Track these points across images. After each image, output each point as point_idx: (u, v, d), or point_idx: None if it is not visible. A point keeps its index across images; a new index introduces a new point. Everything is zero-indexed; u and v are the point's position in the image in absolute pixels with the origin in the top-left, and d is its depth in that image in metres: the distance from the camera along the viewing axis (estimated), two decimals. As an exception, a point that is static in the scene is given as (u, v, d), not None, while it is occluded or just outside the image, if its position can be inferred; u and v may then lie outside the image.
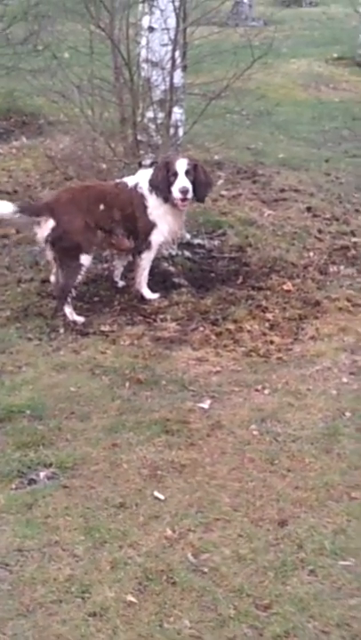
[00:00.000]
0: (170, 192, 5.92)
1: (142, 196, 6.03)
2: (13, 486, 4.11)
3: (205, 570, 3.60)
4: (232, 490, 4.11)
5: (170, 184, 5.91)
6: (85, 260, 5.91)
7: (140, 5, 6.77)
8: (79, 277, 5.92)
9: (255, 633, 3.30)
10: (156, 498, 4.04)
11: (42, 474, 4.19)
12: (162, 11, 6.59)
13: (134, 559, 3.64)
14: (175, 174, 5.89)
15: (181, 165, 5.90)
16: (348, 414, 4.75)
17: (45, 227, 5.82)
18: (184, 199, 5.92)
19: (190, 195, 5.92)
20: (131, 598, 3.43)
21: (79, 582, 3.51)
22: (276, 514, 3.95)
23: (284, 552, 3.71)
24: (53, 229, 5.79)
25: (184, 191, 5.89)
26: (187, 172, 5.90)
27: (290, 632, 3.30)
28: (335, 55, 14.74)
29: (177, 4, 6.53)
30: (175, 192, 5.89)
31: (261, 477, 4.20)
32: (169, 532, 3.81)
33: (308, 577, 3.58)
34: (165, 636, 3.26)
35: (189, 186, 5.90)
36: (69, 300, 5.87)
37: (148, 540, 3.76)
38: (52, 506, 3.97)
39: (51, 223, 5.80)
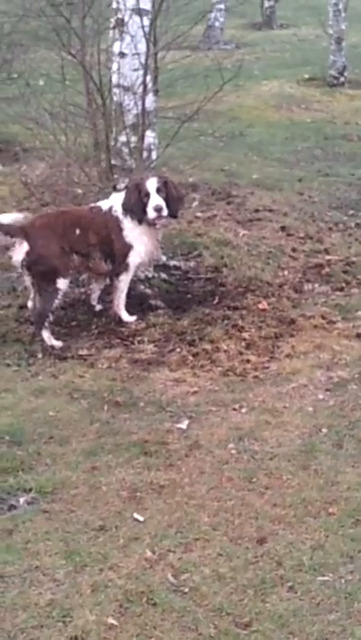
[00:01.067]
0: (144, 213, 5.97)
1: (117, 219, 6.08)
2: (-7, 512, 4.13)
3: (186, 590, 3.62)
4: (211, 509, 4.13)
5: (144, 205, 5.96)
6: (62, 284, 5.94)
7: (111, 31, 6.83)
8: (56, 302, 5.95)
9: (236, 651, 3.32)
10: (136, 519, 4.06)
11: (22, 499, 4.21)
12: (132, 36, 6.65)
13: (115, 582, 3.65)
14: (147, 194, 5.95)
15: (152, 184, 5.97)
16: (324, 430, 4.80)
17: (20, 250, 5.85)
18: (159, 217, 5.98)
19: (165, 212, 5.98)
20: (112, 621, 3.44)
21: (60, 606, 3.51)
22: (254, 532, 3.97)
23: (263, 569, 3.73)
24: (28, 253, 5.82)
25: (158, 209, 5.95)
26: (158, 190, 5.97)
27: (270, 649, 3.33)
28: (306, 76, 14.91)
29: (147, 29, 6.61)
30: (150, 212, 5.95)
31: (240, 496, 4.23)
32: (149, 554, 3.82)
33: (288, 593, 3.60)
34: (147, 658, 3.28)
35: (163, 203, 5.96)
36: (47, 324, 5.90)
37: (129, 562, 3.77)
38: (33, 531, 3.98)
39: (25, 247, 5.83)
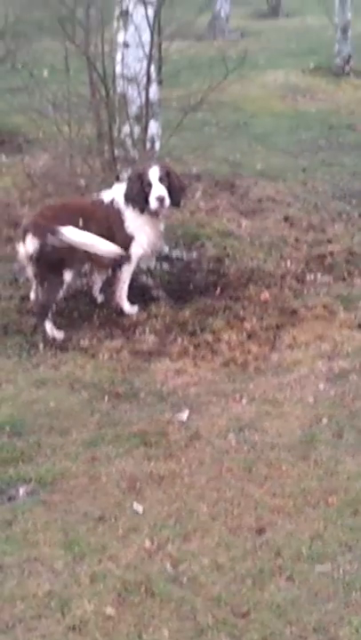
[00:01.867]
0: (146, 203, 5.97)
1: (119, 210, 6.07)
2: (-7, 503, 4.15)
3: (184, 580, 3.64)
4: (210, 499, 4.14)
5: (146, 195, 5.96)
6: (68, 275, 5.94)
7: (115, 22, 6.81)
8: (60, 293, 5.96)
9: (233, 640, 3.34)
10: (135, 510, 4.06)
11: (21, 490, 4.22)
12: (136, 26, 6.63)
13: (113, 572, 3.67)
14: (149, 184, 5.94)
15: (154, 174, 5.95)
16: (324, 421, 4.79)
17: (30, 243, 5.83)
18: (162, 206, 5.97)
19: (167, 202, 5.97)
20: (110, 611, 3.46)
21: (58, 597, 3.53)
22: (253, 522, 3.98)
23: (261, 559, 3.75)
24: (39, 245, 5.79)
25: (161, 199, 5.94)
26: (160, 180, 5.95)
27: (268, 638, 3.34)
28: (312, 65, 14.82)
29: (151, 19, 6.58)
30: (152, 201, 5.94)
31: (239, 486, 4.24)
32: (148, 544, 3.84)
33: (286, 583, 3.62)
34: (144, 647, 3.30)
35: (165, 193, 5.95)
36: (50, 315, 5.90)
37: (127, 552, 3.79)
38: (32, 521, 3.99)
39: (35, 240, 5.81)
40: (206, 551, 3.80)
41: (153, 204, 5.95)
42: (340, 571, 3.68)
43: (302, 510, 4.06)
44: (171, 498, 4.16)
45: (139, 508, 4.08)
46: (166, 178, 6.00)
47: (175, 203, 6.11)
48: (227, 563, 3.73)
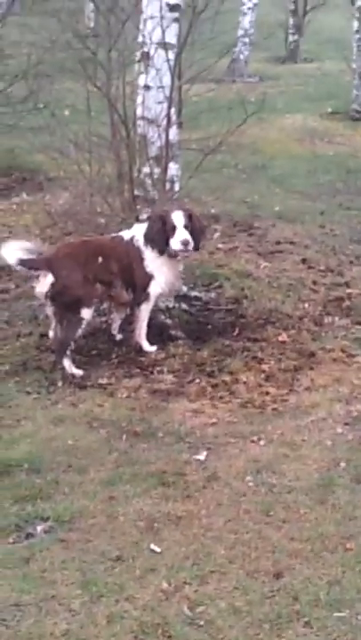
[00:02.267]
0: (167, 245, 6.02)
1: (139, 249, 6.13)
2: (11, 540, 4.14)
3: (201, 623, 3.61)
4: (228, 542, 4.12)
5: (166, 237, 6.01)
6: (86, 313, 5.97)
7: (136, 65, 6.93)
8: (79, 331, 5.99)
9: None
10: (153, 550, 4.05)
11: (39, 527, 4.22)
12: (157, 70, 6.73)
13: (130, 613, 3.65)
14: (173, 227, 5.99)
15: (179, 218, 6.01)
16: (342, 465, 4.78)
17: (44, 282, 5.89)
18: (185, 250, 6.03)
19: (191, 245, 6.03)
20: (127, 653, 3.44)
21: (75, 637, 3.51)
22: (271, 565, 3.96)
23: (279, 604, 3.71)
24: (53, 284, 5.86)
25: (185, 243, 5.99)
26: (185, 226, 6.01)
27: None
28: (329, 110, 14.95)
29: (172, 63, 6.69)
30: (176, 245, 5.98)
31: (257, 529, 4.22)
32: (165, 585, 3.82)
33: (304, 629, 3.58)
34: None
35: (190, 237, 6.00)
36: (69, 353, 5.93)
37: (145, 594, 3.77)
38: (49, 560, 3.98)
39: (50, 278, 5.87)
40: (224, 594, 3.78)
41: (177, 246, 5.99)
42: (359, 618, 3.64)
43: (320, 555, 4.03)
44: (188, 539, 4.14)
45: (156, 548, 4.07)
46: (189, 222, 6.06)
47: (197, 246, 6.16)
48: (244, 607, 3.70)
